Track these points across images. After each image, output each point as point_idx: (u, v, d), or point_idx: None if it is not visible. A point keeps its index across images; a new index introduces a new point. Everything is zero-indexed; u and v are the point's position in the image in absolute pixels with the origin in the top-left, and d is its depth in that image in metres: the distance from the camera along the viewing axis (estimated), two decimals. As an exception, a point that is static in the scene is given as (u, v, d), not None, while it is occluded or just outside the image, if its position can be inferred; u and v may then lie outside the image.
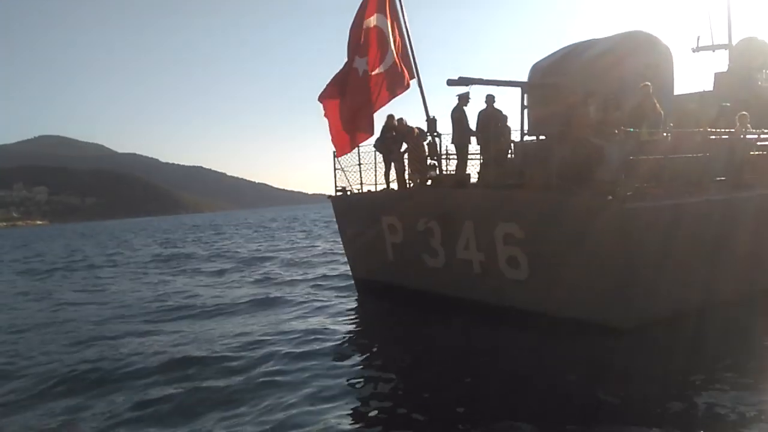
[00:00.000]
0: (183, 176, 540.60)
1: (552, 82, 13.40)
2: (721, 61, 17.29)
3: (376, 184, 13.62)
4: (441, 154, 11.99)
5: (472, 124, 12.22)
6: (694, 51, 17.48)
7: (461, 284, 11.59)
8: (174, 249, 39.87)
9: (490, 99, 12.32)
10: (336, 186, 14.23)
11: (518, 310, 10.48)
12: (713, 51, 17.30)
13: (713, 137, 11.69)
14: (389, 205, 12.72)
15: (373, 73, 11.12)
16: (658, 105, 11.13)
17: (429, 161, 11.79)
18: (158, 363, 9.52)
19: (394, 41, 11.31)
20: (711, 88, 16.93)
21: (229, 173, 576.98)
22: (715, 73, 17.05)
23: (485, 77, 11.87)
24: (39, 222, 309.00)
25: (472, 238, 10.99)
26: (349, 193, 14.16)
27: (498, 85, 12.52)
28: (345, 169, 13.88)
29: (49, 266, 32.16)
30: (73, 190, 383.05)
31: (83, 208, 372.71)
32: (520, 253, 10.28)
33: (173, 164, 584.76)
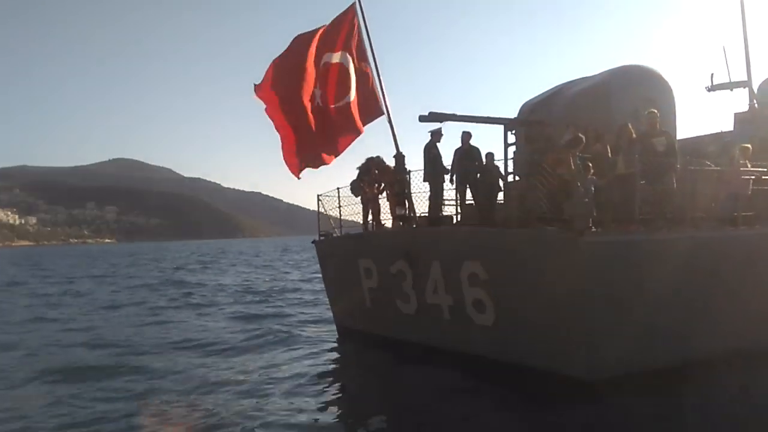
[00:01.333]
0: (242, 201, 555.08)
1: (537, 119, 12.91)
2: (739, 100, 16.18)
3: (365, 224, 13.25)
4: (411, 192, 11.58)
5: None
6: (709, 90, 16.41)
7: (431, 332, 11.03)
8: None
9: (466, 136, 11.88)
10: (319, 230, 14.05)
11: (489, 360, 9.84)
12: (731, 90, 16.19)
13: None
14: (364, 248, 12.38)
15: (334, 106, 10.90)
16: (657, 140, 10.13)
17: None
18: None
19: (362, 79, 11.10)
20: (731, 129, 15.87)
21: (285, 200, 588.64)
22: (735, 113, 15.96)
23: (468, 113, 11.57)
24: (107, 240, 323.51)
25: (440, 280, 10.44)
26: (332, 236, 13.89)
27: (475, 122, 12.08)
28: (328, 210, 13.68)
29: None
30: (141, 211, 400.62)
31: (149, 228, 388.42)
32: (485, 295, 9.69)
33: (234, 189, 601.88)
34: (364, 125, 11.22)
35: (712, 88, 16.35)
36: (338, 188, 13.11)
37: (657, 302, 8.93)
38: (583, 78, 13.71)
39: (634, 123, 11.80)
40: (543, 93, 14.08)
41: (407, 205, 11.18)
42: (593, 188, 9.80)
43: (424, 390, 9.73)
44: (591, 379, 8.52)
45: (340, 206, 13.18)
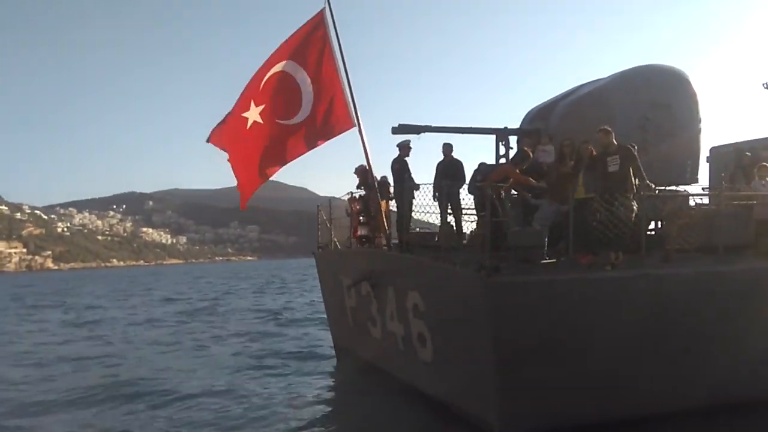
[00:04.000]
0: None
1: (534, 128, 11.91)
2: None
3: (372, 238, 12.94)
4: (385, 210, 11.09)
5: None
6: (766, 87, 14.13)
7: (391, 361, 10.44)
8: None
9: (446, 149, 11.15)
10: (318, 242, 13.92)
11: (434, 401, 9.06)
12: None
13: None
14: (344, 265, 12.05)
15: (282, 122, 10.15)
16: (611, 159, 8.81)
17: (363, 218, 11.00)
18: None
19: (329, 89, 10.53)
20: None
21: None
22: None
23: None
24: (249, 258, 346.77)
25: (395, 308, 9.76)
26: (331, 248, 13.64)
27: (455, 133, 11.41)
28: (329, 221, 13.48)
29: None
30: (280, 230, 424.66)
31: (287, 246, 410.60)
32: (424, 328, 8.86)
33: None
34: (329, 138, 10.65)
35: (770, 86, 14.09)
36: (330, 199, 12.96)
37: (595, 350, 7.57)
38: (592, 81, 12.43)
39: (633, 135, 10.57)
40: (551, 98, 12.95)
41: (374, 225, 10.75)
42: (553, 214, 8.86)
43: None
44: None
45: (331, 218, 12.98)
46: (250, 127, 9.85)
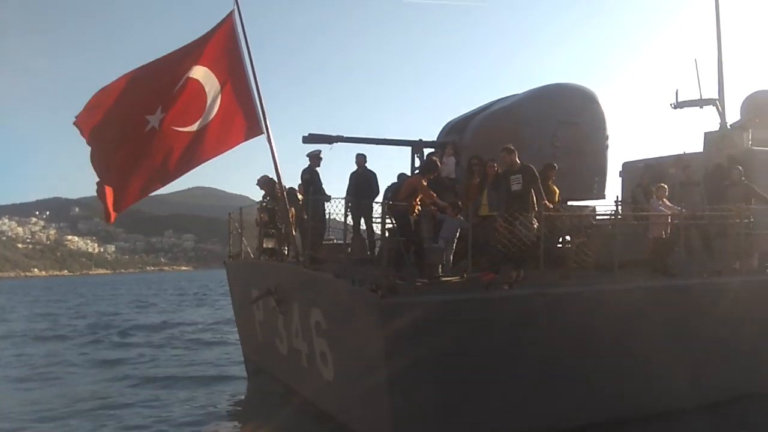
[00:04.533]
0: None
1: (449, 141, 11.89)
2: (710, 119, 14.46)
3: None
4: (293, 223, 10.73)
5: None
6: (674, 107, 14.75)
7: (297, 379, 10.11)
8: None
9: (359, 159, 11.01)
10: (229, 251, 13.43)
11: (336, 422, 8.78)
12: (701, 107, 14.48)
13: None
14: (254, 277, 11.62)
15: (180, 130, 9.49)
16: (513, 178, 8.82)
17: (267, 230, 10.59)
18: None
19: (235, 95, 10.03)
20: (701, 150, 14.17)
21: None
22: (706, 133, 14.29)
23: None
24: (184, 268, 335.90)
25: (299, 325, 9.43)
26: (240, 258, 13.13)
27: (368, 143, 11.26)
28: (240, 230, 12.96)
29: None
30: (218, 238, 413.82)
31: (224, 255, 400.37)
32: (326, 346, 8.56)
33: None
34: (235, 144, 10.12)
35: (678, 105, 14.70)
36: (241, 208, 12.53)
37: (492, 370, 7.52)
38: (508, 96, 12.58)
39: (543, 151, 10.73)
40: (468, 112, 13.00)
41: (281, 237, 10.39)
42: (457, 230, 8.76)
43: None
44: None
45: (242, 228, 12.51)
46: (148, 131, 9.14)
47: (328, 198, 10.72)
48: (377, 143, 11.08)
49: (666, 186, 10.15)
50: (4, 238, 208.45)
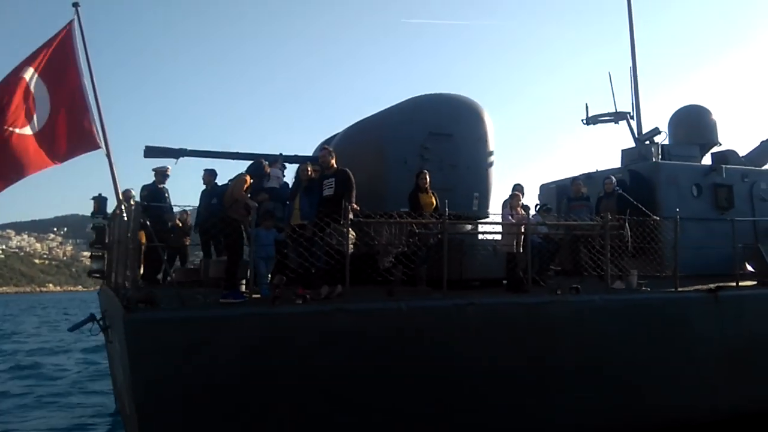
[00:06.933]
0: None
1: (314, 156, 11.11)
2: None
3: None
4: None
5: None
6: (585, 123, 13.88)
7: (124, 413, 9.28)
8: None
9: (206, 176, 10.17)
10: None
11: None
12: (616, 122, 13.59)
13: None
14: (100, 302, 10.86)
15: (17, 131, 9.18)
16: (326, 182, 8.08)
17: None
18: None
19: (66, 105, 9.42)
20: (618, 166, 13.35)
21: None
22: (623, 150, 13.42)
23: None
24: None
25: (118, 353, 8.70)
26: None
27: (218, 158, 10.51)
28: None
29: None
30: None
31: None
32: (129, 377, 7.83)
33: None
34: (69, 157, 9.50)
35: (589, 121, 13.81)
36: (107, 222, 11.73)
37: (269, 394, 6.73)
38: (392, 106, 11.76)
39: (411, 163, 9.97)
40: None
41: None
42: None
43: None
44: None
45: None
46: None
47: (173, 217, 10.02)
48: (226, 157, 10.28)
49: (521, 194, 9.39)
50: (22, 253, 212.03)
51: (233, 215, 7.50)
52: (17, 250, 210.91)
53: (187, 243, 11.44)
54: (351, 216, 7.37)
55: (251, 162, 9.34)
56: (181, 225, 11.30)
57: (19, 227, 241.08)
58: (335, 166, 7.99)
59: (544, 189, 14.31)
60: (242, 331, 6.52)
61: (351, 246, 7.45)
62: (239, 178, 7.94)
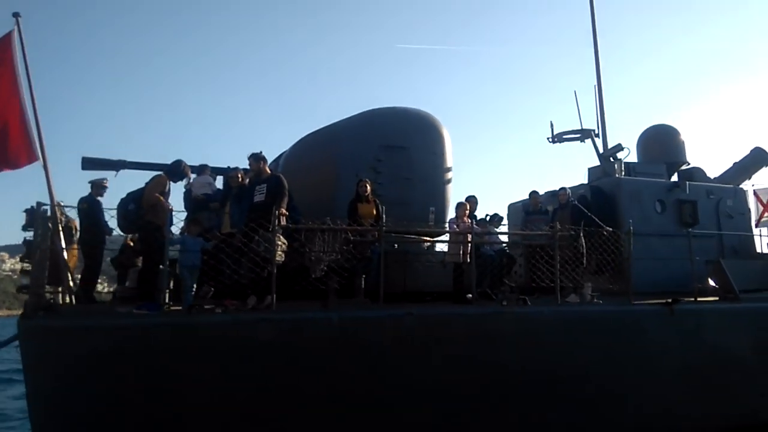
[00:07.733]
0: None
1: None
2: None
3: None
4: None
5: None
6: (551, 141, 13.69)
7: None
8: None
9: (93, 185, 9.72)
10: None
11: None
12: (582, 141, 13.40)
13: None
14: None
15: None
16: (258, 188, 7.80)
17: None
18: None
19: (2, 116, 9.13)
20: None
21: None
22: (589, 168, 13.23)
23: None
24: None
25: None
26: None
27: (159, 170, 10.18)
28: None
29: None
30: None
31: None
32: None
33: None
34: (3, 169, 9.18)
35: (555, 140, 13.62)
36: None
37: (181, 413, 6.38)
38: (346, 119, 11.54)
39: (363, 176, 9.72)
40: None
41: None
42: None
43: None
44: None
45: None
46: None
47: (110, 231, 9.61)
48: (152, 169, 9.90)
49: (467, 203, 9.22)
50: (15, 276, 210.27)
51: (153, 220, 7.19)
52: (11, 273, 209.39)
53: (139, 264, 11.11)
54: (280, 223, 7.08)
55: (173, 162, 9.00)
56: (132, 244, 10.97)
57: (13, 250, 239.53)
58: (268, 171, 7.72)
59: (512, 208, 14.10)
60: (151, 342, 6.16)
61: (281, 255, 7.14)
62: (155, 179, 7.65)
